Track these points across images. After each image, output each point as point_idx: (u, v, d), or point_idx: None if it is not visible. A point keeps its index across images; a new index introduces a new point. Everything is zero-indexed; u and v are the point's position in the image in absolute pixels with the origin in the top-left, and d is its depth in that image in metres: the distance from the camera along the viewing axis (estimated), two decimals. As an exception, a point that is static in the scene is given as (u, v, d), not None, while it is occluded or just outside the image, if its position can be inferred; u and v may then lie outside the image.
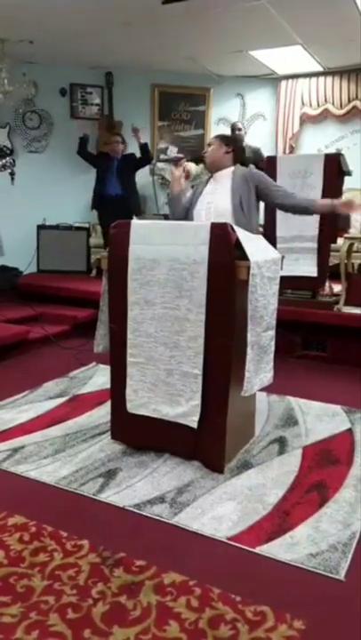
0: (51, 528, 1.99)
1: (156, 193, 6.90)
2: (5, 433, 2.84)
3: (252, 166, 3.14)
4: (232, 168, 3.06)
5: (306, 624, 1.57)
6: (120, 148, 5.84)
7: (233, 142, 3.13)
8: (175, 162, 3.18)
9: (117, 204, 5.60)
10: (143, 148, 5.80)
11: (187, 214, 3.10)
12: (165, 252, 2.41)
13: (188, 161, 3.38)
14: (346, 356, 4.12)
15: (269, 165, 4.45)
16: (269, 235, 4.22)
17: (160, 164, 6.67)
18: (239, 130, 6.28)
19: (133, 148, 6.04)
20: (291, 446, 2.73)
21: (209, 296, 2.33)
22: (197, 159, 3.41)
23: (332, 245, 4.46)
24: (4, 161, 3.34)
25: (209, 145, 3.15)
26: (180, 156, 3.22)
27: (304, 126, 6.93)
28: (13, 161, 3.32)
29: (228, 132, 6.55)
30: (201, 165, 6.60)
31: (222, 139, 3.14)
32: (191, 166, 6.61)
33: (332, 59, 6.09)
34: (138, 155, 5.88)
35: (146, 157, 5.86)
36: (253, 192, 3.02)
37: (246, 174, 3.05)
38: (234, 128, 6.29)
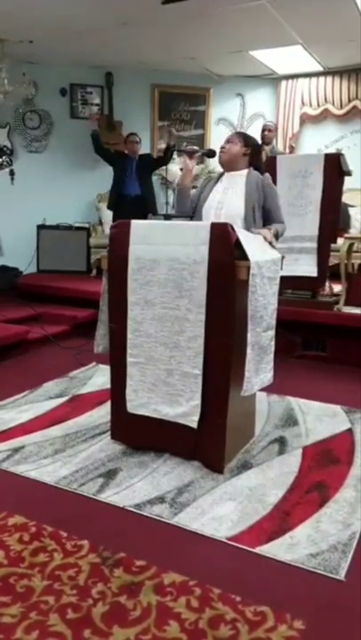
0: (51, 528, 1.99)
1: (158, 193, 6.89)
2: (5, 433, 2.84)
3: (267, 175, 3.02)
4: (246, 171, 2.94)
5: (306, 624, 1.56)
6: (138, 148, 5.81)
7: (252, 145, 3.00)
8: (189, 154, 3.10)
9: (136, 204, 5.57)
10: (170, 149, 5.77)
11: (195, 210, 3.05)
12: (165, 252, 2.41)
13: (203, 154, 3.33)
14: (346, 355, 4.12)
15: (269, 165, 4.45)
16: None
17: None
18: (270, 131, 5.99)
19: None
20: (291, 446, 2.73)
21: (209, 296, 2.33)
22: (212, 153, 3.31)
23: (332, 245, 4.46)
24: (0, 159, 3.32)
25: (228, 141, 3.00)
26: (195, 148, 3.14)
27: (304, 126, 6.93)
28: (10, 160, 3.30)
29: (241, 132, 6.41)
30: (201, 165, 6.63)
31: (243, 138, 3.01)
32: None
33: (332, 58, 6.09)
34: (149, 155, 5.88)
35: (166, 158, 5.84)
36: (262, 202, 2.91)
37: (259, 183, 2.91)
38: (264, 129, 6.04)
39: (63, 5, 4.51)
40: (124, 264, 2.50)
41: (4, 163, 3.24)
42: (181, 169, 6.39)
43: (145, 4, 4.48)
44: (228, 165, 2.98)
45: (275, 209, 2.94)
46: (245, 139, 3.01)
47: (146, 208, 5.54)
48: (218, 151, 3.06)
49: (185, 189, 3.09)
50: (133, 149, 5.77)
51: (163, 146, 6.82)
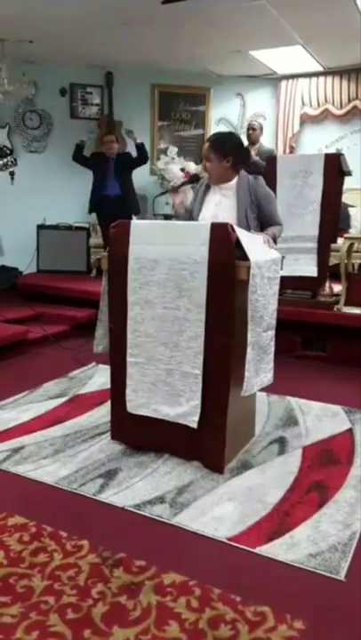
0: (51, 528, 1.99)
1: (155, 193, 6.89)
2: (5, 433, 2.84)
3: (260, 178, 2.91)
4: (235, 180, 2.84)
5: (306, 624, 1.56)
6: (115, 147, 5.81)
7: (231, 152, 2.78)
8: (173, 191, 3.09)
9: (116, 204, 5.58)
10: (140, 147, 5.77)
11: (191, 219, 3.01)
12: (165, 252, 2.41)
13: (187, 184, 3.28)
14: (346, 355, 4.12)
15: (270, 166, 4.45)
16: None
17: (160, 164, 6.66)
18: (254, 130, 6.03)
19: (131, 149, 6.06)
20: (291, 446, 2.73)
21: (209, 296, 2.33)
22: (195, 178, 3.28)
23: (333, 245, 4.46)
24: (5, 160, 3.30)
25: (207, 160, 2.86)
26: (178, 183, 3.17)
27: (304, 126, 6.93)
28: (15, 160, 3.27)
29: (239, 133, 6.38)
30: (201, 165, 6.63)
31: (219, 148, 2.78)
32: (191, 166, 6.59)
33: (332, 58, 6.09)
34: (134, 155, 5.88)
35: (142, 157, 5.83)
36: (255, 205, 2.82)
37: (252, 186, 2.82)
38: (249, 128, 6.07)
39: (63, 5, 4.51)
40: (124, 264, 2.50)
41: (9, 162, 3.21)
42: (182, 169, 6.42)
43: (145, 4, 4.48)
44: (219, 183, 2.87)
45: (271, 213, 2.87)
46: (221, 147, 2.78)
47: (126, 208, 5.52)
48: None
49: (182, 218, 3.04)
50: (110, 149, 5.77)
51: (162, 146, 6.83)
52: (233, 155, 2.78)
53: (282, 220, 2.94)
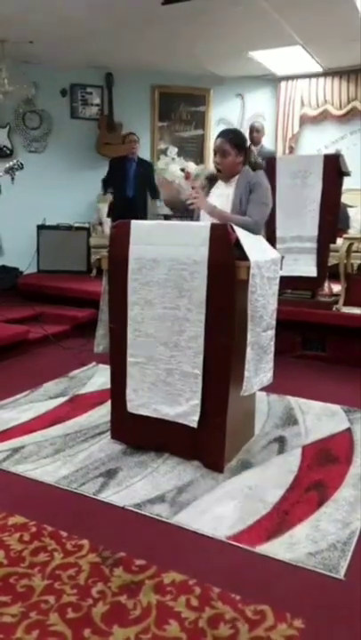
0: (51, 528, 2.00)
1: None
2: (5, 433, 2.84)
3: (260, 172, 2.92)
4: (240, 172, 2.86)
5: (306, 623, 1.57)
6: (137, 148, 5.79)
7: (244, 148, 2.87)
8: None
9: (131, 206, 5.59)
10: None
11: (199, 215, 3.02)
12: (165, 252, 2.41)
13: (205, 184, 3.23)
14: (345, 355, 4.13)
15: (269, 166, 4.46)
16: (269, 235, 4.22)
17: (160, 165, 6.66)
18: (258, 132, 6.02)
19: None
20: (290, 446, 2.73)
21: (209, 296, 2.34)
22: (213, 176, 3.19)
23: (332, 245, 4.46)
24: (11, 163, 3.25)
25: (221, 154, 2.83)
26: (188, 175, 3.10)
27: (304, 127, 6.93)
28: (21, 164, 3.21)
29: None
30: (201, 165, 6.63)
31: (235, 144, 2.83)
32: (191, 167, 6.60)
33: (331, 59, 6.10)
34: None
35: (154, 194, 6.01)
36: (249, 192, 2.81)
37: (250, 179, 2.83)
38: (252, 130, 6.05)
39: (63, 6, 4.52)
40: (124, 264, 2.51)
41: (16, 166, 3.17)
42: (182, 169, 6.42)
43: (145, 5, 4.49)
44: (229, 176, 2.88)
45: (250, 202, 2.79)
46: (236, 144, 2.84)
47: (137, 210, 5.54)
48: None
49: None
50: (133, 149, 5.75)
51: (162, 146, 6.83)
52: (245, 151, 2.88)
53: (257, 217, 2.79)
